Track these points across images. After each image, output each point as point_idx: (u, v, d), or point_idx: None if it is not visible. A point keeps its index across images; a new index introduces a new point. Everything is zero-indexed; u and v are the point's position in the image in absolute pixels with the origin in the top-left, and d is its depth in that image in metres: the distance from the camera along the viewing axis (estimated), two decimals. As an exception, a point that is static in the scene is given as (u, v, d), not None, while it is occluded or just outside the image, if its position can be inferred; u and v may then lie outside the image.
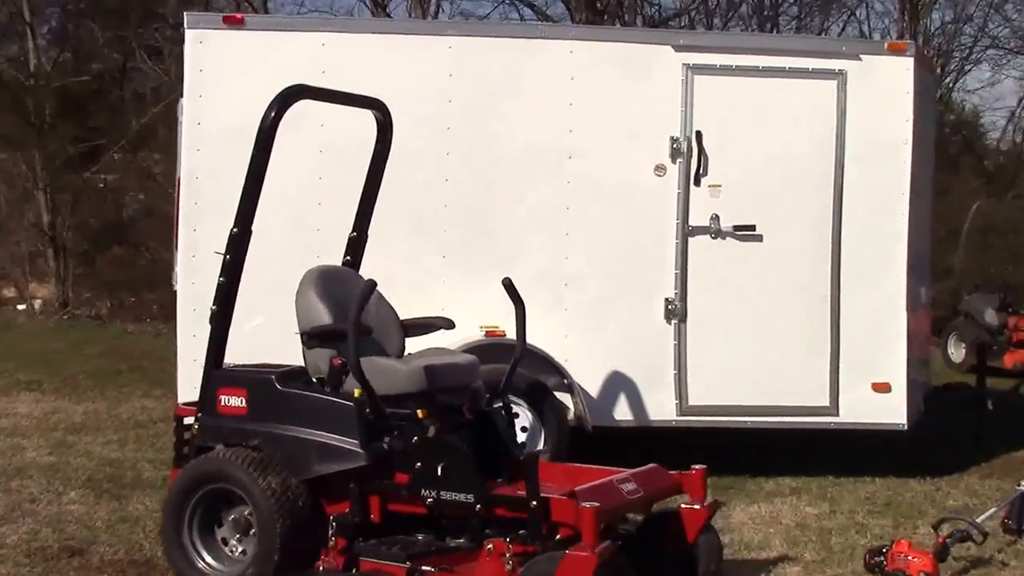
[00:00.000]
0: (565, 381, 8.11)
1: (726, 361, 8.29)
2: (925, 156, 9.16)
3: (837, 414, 8.36)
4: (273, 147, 5.90)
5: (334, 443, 5.57)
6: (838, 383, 8.33)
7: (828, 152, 8.27)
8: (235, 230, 5.89)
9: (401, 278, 8.08)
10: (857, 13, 26.65)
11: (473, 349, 7.78)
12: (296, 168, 7.99)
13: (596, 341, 8.25)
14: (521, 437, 7.96)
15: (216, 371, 5.91)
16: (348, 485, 5.57)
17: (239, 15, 7.97)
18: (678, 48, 8.25)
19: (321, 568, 5.45)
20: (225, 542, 5.82)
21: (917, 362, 8.98)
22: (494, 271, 8.08)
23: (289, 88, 5.98)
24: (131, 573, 6.08)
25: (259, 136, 5.83)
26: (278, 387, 5.76)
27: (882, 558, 5.51)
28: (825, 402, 8.34)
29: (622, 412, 8.25)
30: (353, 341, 5.48)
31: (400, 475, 5.55)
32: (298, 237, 7.83)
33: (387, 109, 6.58)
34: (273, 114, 5.85)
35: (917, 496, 8.06)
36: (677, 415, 8.27)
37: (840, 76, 8.27)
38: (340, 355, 5.73)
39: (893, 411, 8.38)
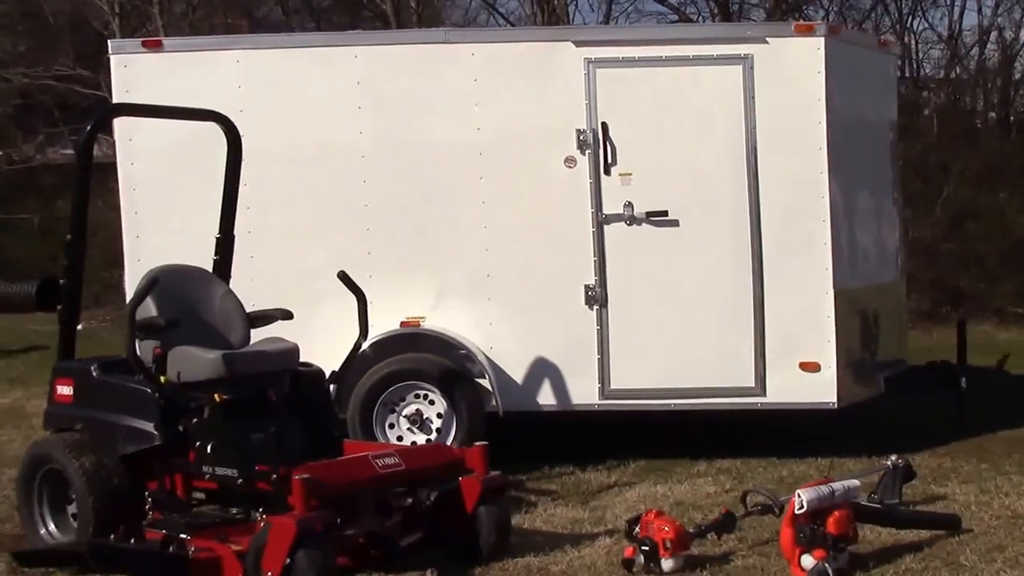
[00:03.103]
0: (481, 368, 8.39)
1: (648, 344, 8.37)
2: (867, 135, 9.12)
3: (764, 394, 8.33)
4: (92, 163, 6.46)
5: (134, 425, 6.11)
6: (764, 363, 8.31)
7: (738, 136, 8.30)
8: (68, 238, 6.49)
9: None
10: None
11: (392, 339, 8.30)
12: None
13: (520, 329, 8.46)
14: (436, 423, 8.31)
15: (56, 363, 6.54)
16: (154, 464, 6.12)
17: (158, 39, 8.59)
18: (578, 44, 8.43)
19: (112, 537, 5.94)
20: (75, 517, 6.42)
21: (867, 340, 8.85)
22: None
23: (102, 106, 6.53)
24: (8, 545, 6.64)
25: (76, 154, 6.41)
26: (94, 376, 6.33)
27: (636, 526, 5.63)
28: (750, 383, 8.33)
29: (545, 397, 8.44)
30: (129, 332, 6.00)
31: (191, 454, 6.04)
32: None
33: (230, 121, 7.03)
34: (87, 130, 6.42)
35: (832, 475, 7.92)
36: (600, 399, 8.40)
37: (745, 61, 8.31)
38: (161, 346, 6.25)
39: (822, 390, 8.28)
